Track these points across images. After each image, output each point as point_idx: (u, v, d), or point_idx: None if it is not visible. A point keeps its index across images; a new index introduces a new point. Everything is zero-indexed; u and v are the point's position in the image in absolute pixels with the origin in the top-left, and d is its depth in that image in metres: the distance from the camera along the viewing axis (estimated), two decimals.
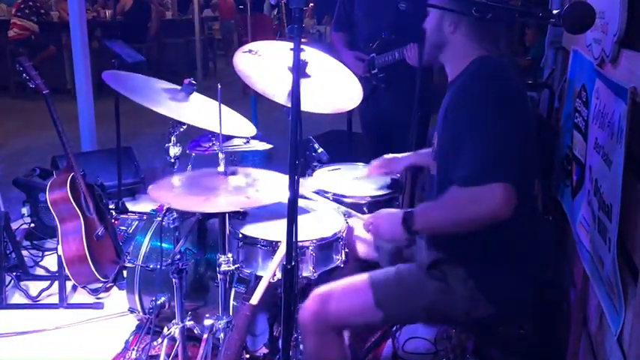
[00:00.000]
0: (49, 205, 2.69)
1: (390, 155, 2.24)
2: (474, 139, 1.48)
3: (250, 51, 1.91)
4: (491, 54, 1.61)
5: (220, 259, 1.85)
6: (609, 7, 1.55)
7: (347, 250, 1.95)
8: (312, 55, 1.91)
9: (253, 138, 2.19)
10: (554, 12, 1.11)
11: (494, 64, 1.60)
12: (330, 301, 1.68)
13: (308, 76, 1.92)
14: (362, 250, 2.02)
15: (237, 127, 2.06)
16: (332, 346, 1.72)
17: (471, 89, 1.54)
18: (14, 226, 3.29)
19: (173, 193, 1.80)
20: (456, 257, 1.63)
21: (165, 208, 1.95)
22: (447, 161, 1.60)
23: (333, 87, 2.01)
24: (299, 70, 1.17)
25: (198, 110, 1.99)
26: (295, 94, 1.18)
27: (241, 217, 1.88)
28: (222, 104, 1.86)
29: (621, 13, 1.42)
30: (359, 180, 2.33)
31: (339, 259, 1.91)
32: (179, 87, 2.03)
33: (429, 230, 1.64)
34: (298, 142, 1.25)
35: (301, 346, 1.83)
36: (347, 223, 1.98)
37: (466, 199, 1.46)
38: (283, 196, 1.72)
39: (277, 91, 1.94)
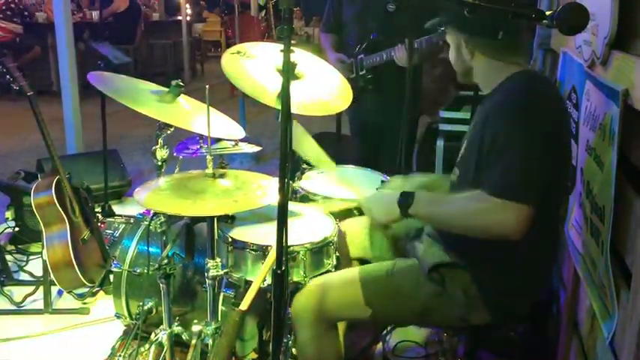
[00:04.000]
0: (34, 208, 2.64)
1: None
2: (510, 152, 1.45)
3: (239, 53, 1.89)
4: (524, 68, 1.60)
5: (209, 264, 1.82)
6: (600, 9, 1.55)
7: (338, 254, 1.93)
8: (301, 56, 1.89)
9: (242, 140, 2.17)
10: (548, 13, 1.10)
11: (532, 79, 1.59)
12: (322, 293, 1.68)
13: (297, 78, 1.90)
14: (354, 251, 2.01)
15: (226, 129, 2.04)
16: (325, 339, 1.72)
17: (510, 107, 1.51)
18: None
19: (159, 197, 1.77)
20: (466, 261, 1.61)
21: (152, 211, 1.92)
22: (471, 170, 1.58)
23: (323, 88, 1.99)
24: (289, 71, 1.15)
25: (186, 112, 1.96)
26: (285, 96, 1.16)
27: (230, 220, 1.85)
28: (210, 106, 1.83)
29: (612, 14, 1.41)
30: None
31: (330, 263, 1.89)
32: (166, 89, 2.00)
33: (430, 219, 1.61)
34: (289, 145, 1.23)
35: (293, 339, 1.81)
36: (338, 226, 1.97)
37: (489, 207, 1.43)
38: (272, 200, 1.70)
39: (265, 92, 1.92)
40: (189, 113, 1.96)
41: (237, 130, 2.06)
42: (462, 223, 1.51)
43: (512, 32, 1.53)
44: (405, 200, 1.57)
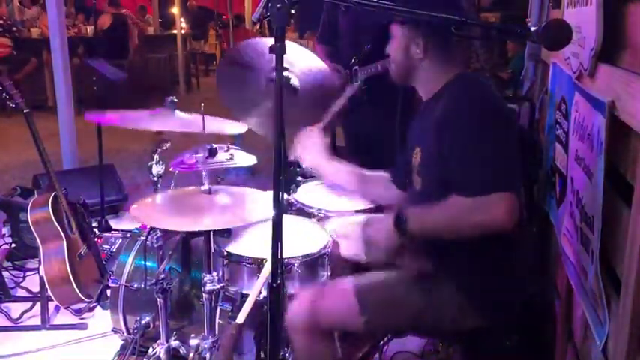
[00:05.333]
0: (31, 225, 2.65)
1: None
2: (474, 150, 1.48)
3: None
4: (460, 70, 1.64)
5: (205, 278, 1.84)
6: (586, 22, 1.58)
7: (333, 264, 1.94)
8: (292, 49, 1.86)
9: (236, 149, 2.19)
10: (532, 29, 1.13)
11: (473, 80, 1.64)
12: (317, 301, 1.68)
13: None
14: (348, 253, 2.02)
15: (223, 126, 2.04)
16: (321, 347, 1.72)
17: (461, 108, 1.55)
18: None
19: (156, 213, 1.79)
20: (444, 269, 1.63)
21: (149, 226, 1.94)
22: (435, 179, 1.60)
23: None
24: (282, 89, 1.17)
25: (181, 123, 1.98)
26: (278, 114, 1.18)
27: (226, 234, 1.87)
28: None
29: (597, 27, 1.45)
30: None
31: (325, 274, 1.90)
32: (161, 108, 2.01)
33: (423, 233, 1.61)
34: (282, 159, 1.25)
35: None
36: (332, 237, 1.98)
37: (470, 207, 1.45)
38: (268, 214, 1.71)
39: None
40: (184, 123, 1.98)
41: (234, 127, 2.07)
42: (456, 230, 1.52)
43: (464, 39, 1.56)
44: (400, 221, 1.58)
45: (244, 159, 2.27)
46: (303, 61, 1.94)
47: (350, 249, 1.91)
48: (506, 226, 1.42)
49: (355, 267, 2.01)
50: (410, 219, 1.57)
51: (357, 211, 2.21)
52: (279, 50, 1.22)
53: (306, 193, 2.36)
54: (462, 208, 1.48)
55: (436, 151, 1.58)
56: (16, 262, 3.29)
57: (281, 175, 1.27)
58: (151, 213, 1.79)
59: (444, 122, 1.56)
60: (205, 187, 1.85)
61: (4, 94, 2.70)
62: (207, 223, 1.73)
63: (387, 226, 1.60)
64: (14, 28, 7.91)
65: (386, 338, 2.38)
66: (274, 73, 1.21)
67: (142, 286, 2.10)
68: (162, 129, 1.92)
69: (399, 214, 1.59)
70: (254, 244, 1.90)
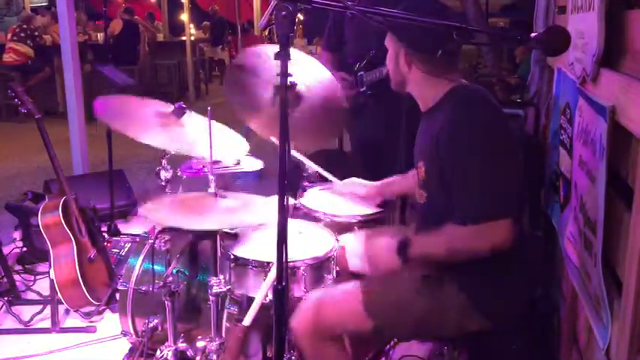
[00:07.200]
0: (41, 229, 2.69)
1: (358, 180, 2.25)
2: (473, 176, 1.51)
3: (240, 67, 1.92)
4: (457, 82, 1.64)
5: (212, 281, 1.86)
6: (588, 28, 1.60)
7: (338, 268, 1.96)
8: (297, 58, 1.89)
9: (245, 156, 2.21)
10: (532, 35, 1.15)
11: (470, 95, 1.63)
12: (322, 306, 1.70)
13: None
14: (353, 264, 2.03)
15: (228, 147, 2.07)
16: (329, 351, 1.73)
17: (460, 128, 1.55)
18: (6, 250, 3.28)
19: (165, 214, 1.81)
20: (447, 271, 1.65)
21: (157, 230, 1.96)
22: (440, 194, 1.62)
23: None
24: (286, 96, 1.19)
25: (191, 132, 2.01)
26: (283, 124, 1.20)
27: (233, 238, 1.89)
28: (216, 123, 1.87)
29: (599, 33, 1.46)
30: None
31: (330, 278, 1.92)
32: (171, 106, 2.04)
33: (423, 259, 1.67)
34: (287, 165, 1.27)
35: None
36: (337, 240, 1.99)
37: (469, 236, 1.51)
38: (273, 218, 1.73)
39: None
40: (194, 133, 2.01)
41: (239, 146, 2.09)
42: (454, 256, 1.58)
43: (451, 51, 1.57)
44: (403, 247, 1.63)
45: (251, 164, 2.30)
46: (309, 73, 1.96)
47: (355, 263, 1.94)
48: (503, 249, 1.49)
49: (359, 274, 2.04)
50: (412, 246, 1.62)
51: (363, 217, 2.22)
52: (283, 57, 1.24)
53: (312, 198, 2.38)
54: (460, 237, 1.53)
55: (438, 168, 1.60)
56: (26, 266, 3.33)
57: (286, 179, 1.29)
58: (160, 211, 1.81)
59: (444, 141, 1.57)
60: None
61: (16, 100, 2.75)
62: (214, 221, 1.75)
63: (389, 250, 1.66)
64: (36, 33, 8.03)
65: (392, 342, 2.39)
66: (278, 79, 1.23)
67: (150, 289, 2.13)
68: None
69: (403, 240, 1.63)
70: (261, 247, 1.92)
